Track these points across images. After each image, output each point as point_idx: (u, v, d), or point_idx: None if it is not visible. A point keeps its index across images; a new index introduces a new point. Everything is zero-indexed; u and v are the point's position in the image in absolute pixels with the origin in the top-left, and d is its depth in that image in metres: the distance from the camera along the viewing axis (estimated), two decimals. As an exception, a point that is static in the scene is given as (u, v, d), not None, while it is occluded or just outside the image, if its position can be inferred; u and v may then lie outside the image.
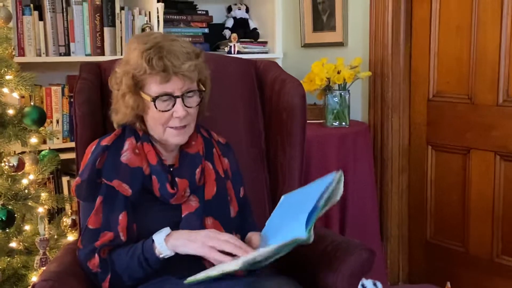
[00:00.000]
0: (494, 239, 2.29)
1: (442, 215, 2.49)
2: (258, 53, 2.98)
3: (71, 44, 2.43)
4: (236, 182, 1.51)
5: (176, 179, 1.39)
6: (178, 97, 1.33)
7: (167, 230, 1.31)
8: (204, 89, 1.41)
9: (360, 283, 1.83)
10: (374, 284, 1.96)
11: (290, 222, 1.28)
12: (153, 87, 1.33)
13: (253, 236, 1.42)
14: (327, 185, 1.26)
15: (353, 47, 2.68)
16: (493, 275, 2.30)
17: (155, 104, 1.33)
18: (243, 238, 1.42)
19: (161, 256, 1.29)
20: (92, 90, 1.45)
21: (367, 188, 2.41)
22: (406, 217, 2.62)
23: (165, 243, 1.28)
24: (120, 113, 1.39)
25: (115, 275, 1.31)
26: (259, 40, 3.05)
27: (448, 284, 1.46)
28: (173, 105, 1.33)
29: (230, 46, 2.88)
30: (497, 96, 2.23)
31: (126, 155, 1.37)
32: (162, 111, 1.33)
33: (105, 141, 1.38)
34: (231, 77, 1.81)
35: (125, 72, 1.34)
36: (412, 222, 2.61)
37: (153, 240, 1.30)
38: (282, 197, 1.46)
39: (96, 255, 1.32)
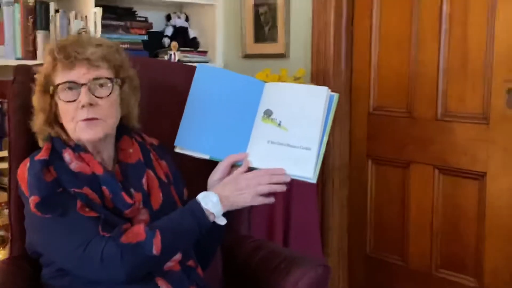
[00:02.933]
0: (433, 253, 2.33)
1: (382, 229, 2.52)
2: (198, 62, 2.90)
3: (0, 47, 2.26)
4: (177, 183, 1.43)
5: (132, 190, 1.29)
6: (84, 85, 1.24)
7: (209, 194, 1.29)
8: (114, 76, 1.29)
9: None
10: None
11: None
12: (58, 79, 1.26)
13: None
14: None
15: (296, 59, 2.67)
16: (432, 288, 2.34)
17: (58, 94, 1.25)
18: (197, 245, 1.37)
19: (212, 220, 1.28)
20: (28, 95, 1.32)
21: (310, 202, 2.39)
22: (346, 231, 2.63)
23: (221, 204, 1.28)
24: (35, 121, 1.31)
25: (164, 234, 1.22)
26: (199, 49, 2.99)
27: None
28: (79, 94, 1.24)
29: (170, 55, 2.80)
30: (436, 111, 2.29)
31: (74, 164, 1.25)
32: (68, 101, 1.24)
33: (40, 156, 1.24)
34: (177, 84, 1.75)
35: (39, 74, 1.30)
36: (353, 236, 2.62)
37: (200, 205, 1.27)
38: (177, 147, 1.44)
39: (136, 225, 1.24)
